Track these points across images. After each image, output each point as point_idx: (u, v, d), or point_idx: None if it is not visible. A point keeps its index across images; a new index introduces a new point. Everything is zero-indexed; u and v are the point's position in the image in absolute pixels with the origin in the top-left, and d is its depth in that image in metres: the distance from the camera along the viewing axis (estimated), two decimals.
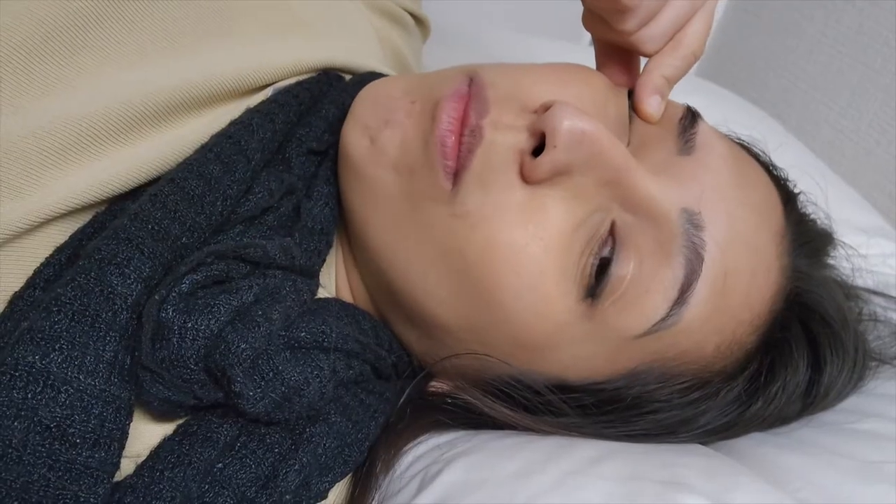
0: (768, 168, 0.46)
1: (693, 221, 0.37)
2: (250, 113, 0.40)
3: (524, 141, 0.37)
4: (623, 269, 0.37)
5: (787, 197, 0.45)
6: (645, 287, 0.37)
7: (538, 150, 0.37)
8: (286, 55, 0.43)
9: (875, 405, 0.45)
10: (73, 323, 0.30)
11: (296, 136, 0.42)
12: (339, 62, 0.48)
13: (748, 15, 1.18)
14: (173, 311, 0.32)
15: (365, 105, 0.41)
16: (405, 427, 0.41)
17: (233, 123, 0.39)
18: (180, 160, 0.37)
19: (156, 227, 0.33)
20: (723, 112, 0.67)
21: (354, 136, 0.41)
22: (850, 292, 0.49)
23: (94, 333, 0.30)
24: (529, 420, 0.40)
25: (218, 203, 0.36)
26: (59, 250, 0.33)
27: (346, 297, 0.45)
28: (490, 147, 0.37)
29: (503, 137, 0.38)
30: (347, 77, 0.49)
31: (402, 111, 0.40)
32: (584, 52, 0.96)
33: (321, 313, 0.38)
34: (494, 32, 0.82)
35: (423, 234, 0.38)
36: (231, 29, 0.41)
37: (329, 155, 0.44)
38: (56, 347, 0.29)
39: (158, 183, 0.35)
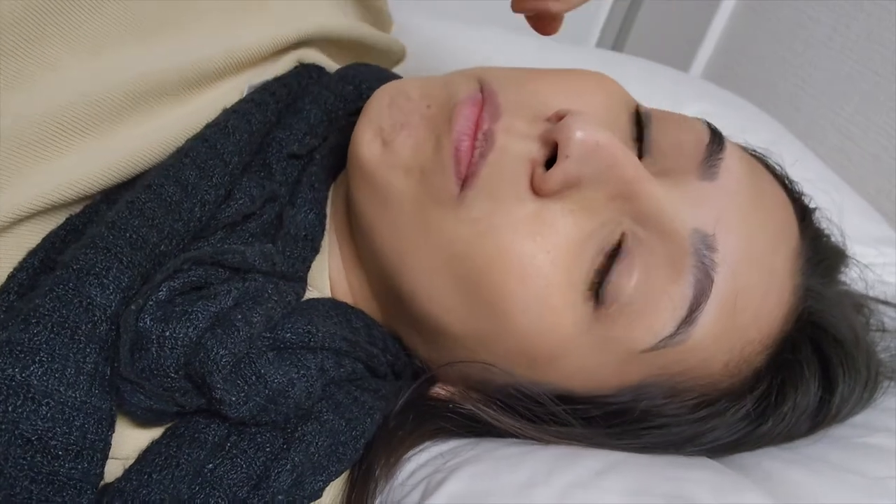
0: (784, 183, 0.45)
1: (706, 242, 0.37)
2: (226, 114, 0.39)
3: (536, 150, 0.37)
4: (633, 282, 0.36)
5: (803, 213, 0.44)
6: (653, 302, 0.37)
7: (549, 161, 0.36)
8: (256, 36, 0.42)
9: (883, 419, 0.44)
10: (52, 335, 0.29)
11: (276, 140, 0.41)
12: (316, 32, 0.47)
13: (755, 20, 1.17)
14: (151, 319, 0.32)
15: (381, 107, 0.40)
16: (407, 434, 0.40)
17: (209, 126, 0.39)
18: (153, 158, 0.36)
19: (134, 236, 0.32)
20: (734, 120, 0.66)
21: (367, 138, 0.40)
22: (860, 304, 0.49)
23: (74, 345, 0.30)
24: (534, 430, 0.40)
25: (196, 209, 0.35)
26: (32, 254, 0.33)
27: (344, 297, 0.44)
28: (502, 153, 0.37)
29: (515, 145, 0.37)
30: (331, 65, 0.48)
31: (418, 114, 0.39)
32: (590, 54, 0.96)
33: (307, 313, 0.37)
34: (500, 34, 0.81)
35: (431, 239, 0.38)
36: (194, 12, 0.40)
37: (313, 159, 0.43)
38: (36, 360, 0.29)
39: (135, 189, 0.34)
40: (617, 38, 1.28)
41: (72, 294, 0.30)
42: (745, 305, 0.38)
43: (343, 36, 0.50)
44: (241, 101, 0.41)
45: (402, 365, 0.43)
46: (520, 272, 0.36)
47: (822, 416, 0.42)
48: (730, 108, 0.80)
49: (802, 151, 0.80)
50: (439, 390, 0.43)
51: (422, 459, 0.40)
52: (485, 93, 0.38)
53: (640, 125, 0.41)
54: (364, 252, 0.43)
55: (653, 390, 0.39)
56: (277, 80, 0.43)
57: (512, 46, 0.80)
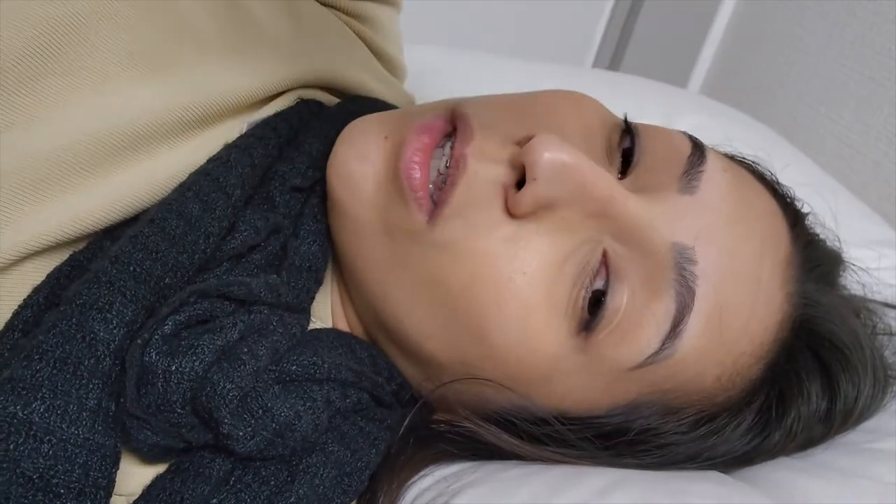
0: (774, 189, 0.45)
1: (685, 255, 0.37)
2: (228, 149, 0.40)
3: (507, 174, 0.37)
4: (618, 300, 0.36)
5: (795, 220, 0.44)
6: (637, 319, 0.36)
7: (521, 183, 0.36)
8: (255, 78, 0.43)
9: (893, 424, 0.43)
10: (54, 371, 0.29)
11: (278, 174, 0.42)
12: (315, 79, 0.47)
13: (749, 33, 1.18)
14: (157, 354, 0.31)
15: (342, 144, 0.41)
16: (409, 459, 0.40)
17: (210, 160, 0.39)
18: (155, 196, 0.37)
19: (137, 269, 0.32)
20: (725, 130, 0.66)
21: (333, 175, 0.40)
22: (862, 308, 0.48)
23: (77, 381, 0.30)
24: (535, 449, 0.39)
25: (200, 241, 0.35)
26: (37, 291, 0.33)
27: (343, 327, 0.44)
28: (473, 178, 0.37)
29: (486, 169, 0.37)
30: (332, 101, 0.48)
31: (374, 147, 0.39)
32: (587, 76, 0.97)
33: (312, 345, 0.37)
34: (493, 60, 0.82)
35: (406, 268, 0.38)
36: (197, 49, 0.40)
37: (316, 191, 0.43)
38: (38, 397, 0.29)
39: (138, 223, 0.35)
40: (613, 56, 1.29)
41: (74, 329, 0.30)
42: (732, 317, 0.38)
43: (350, 87, 0.51)
44: (243, 136, 0.41)
45: (405, 393, 0.43)
46: (496, 294, 0.36)
47: (832, 423, 0.42)
48: (725, 120, 0.80)
49: (798, 157, 0.80)
50: (438, 415, 0.43)
51: (425, 484, 0.39)
52: (456, 118, 0.39)
53: (632, 141, 0.40)
54: (350, 284, 0.43)
55: (646, 409, 0.39)
56: (278, 115, 0.44)
57: (506, 71, 0.81)
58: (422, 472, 0.40)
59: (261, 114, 0.44)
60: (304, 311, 0.40)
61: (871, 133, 0.93)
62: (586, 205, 0.36)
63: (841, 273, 0.48)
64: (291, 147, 0.43)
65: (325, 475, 0.36)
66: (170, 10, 0.39)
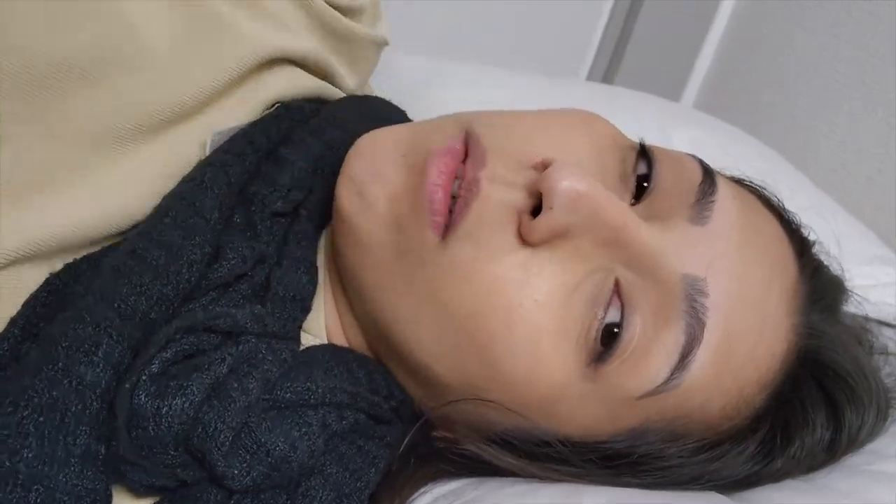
0: (780, 215, 0.45)
1: (696, 287, 0.37)
2: (202, 168, 0.38)
3: (522, 200, 0.37)
4: (631, 332, 0.36)
5: (802, 247, 0.44)
6: (647, 349, 0.36)
7: (536, 209, 0.36)
8: (205, 75, 0.39)
9: (892, 446, 0.44)
10: (41, 419, 0.29)
11: (258, 197, 0.40)
12: (269, 55, 0.42)
13: (743, 47, 1.19)
14: (145, 396, 0.31)
15: (356, 159, 0.40)
16: (409, 477, 0.40)
17: (184, 181, 0.38)
18: (128, 208, 0.35)
19: (122, 306, 0.32)
20: (720, 144, 0.66)
21: (343, 190, 0.40)
22: (864, 334, 0.48)
23: (65, 428, 0.29)
24: (535, 468, 0.39)
25: (184, 271, 0.34)
26: (13, 323, 0.32)
27: (340, 341, 0.44)
28: (486, 202, 0.37)
29: (500, 193, 0.37)
30: (304, 88, 0.46)
31: (391, 165, 0.39)
32: (582, 88, 0.97)
33: (306, 368, 0.37)
34: (488, 71, 0.82)
35: (415, 288, 0.38)
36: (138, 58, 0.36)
37: (299, 215, 0.42)
38: (25, 444, 0.28)
39: (119, 254, 0.34)
40: (608, 69, 1.30)
41: (61, 374, 0.30)
42: (740, 348, 0.38)
43: (310, 59, 0.47)
44: (218, 152, 0.39)
45: (406, 409, 0.43)
46: (507, 320, 0.36)
47: (835, 451, 0.41)
48: (719, 134, 0.81)
49: (794, 174, 0.80)
50: (439, 433, 0.43)
51: (424, 502, 0.39)
52: (469, 139, 0.38)
53: (648, 166, 0.40)
54: (354, 300, 0.43)
55: (650, 435, 0.38)
56: (256, 125, 0.42)
57: (501, 82, 0.81)
58: (421, 490, 0.40)
59: (227, 115, 0.41)
60: (293, 339, 0.39)
61: (866, 146, 0.93)
62: (599, 232, 0.36)
63: (844, 301, 0.48)
64: (270, 162, 0.41)
65: (324, 498, 0.35)
66: (114, 16, 0.36)
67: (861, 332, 0.49)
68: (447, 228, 0.37)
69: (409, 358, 0.39)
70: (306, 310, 0.41)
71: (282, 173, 0.41)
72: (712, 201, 0.39)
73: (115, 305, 0.32)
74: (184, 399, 0.31)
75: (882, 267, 0.65)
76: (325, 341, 0.43)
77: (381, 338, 0.41)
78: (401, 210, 0.38)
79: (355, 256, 0.40)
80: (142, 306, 0.32)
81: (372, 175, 0.39)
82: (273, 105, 0.44)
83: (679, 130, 0.78)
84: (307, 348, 0.40)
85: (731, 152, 0.60)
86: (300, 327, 0.41)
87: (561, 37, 1.24)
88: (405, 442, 0.40)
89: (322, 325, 0.43)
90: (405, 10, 0.79)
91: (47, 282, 0.34)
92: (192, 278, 0.35)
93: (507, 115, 0.42)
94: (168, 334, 0.33)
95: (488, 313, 0.36)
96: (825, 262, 0.47)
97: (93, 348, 0.30)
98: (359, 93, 0.54)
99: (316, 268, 0.42)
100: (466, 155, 0.38)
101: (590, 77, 1.31)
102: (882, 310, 0.54)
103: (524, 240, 0.36)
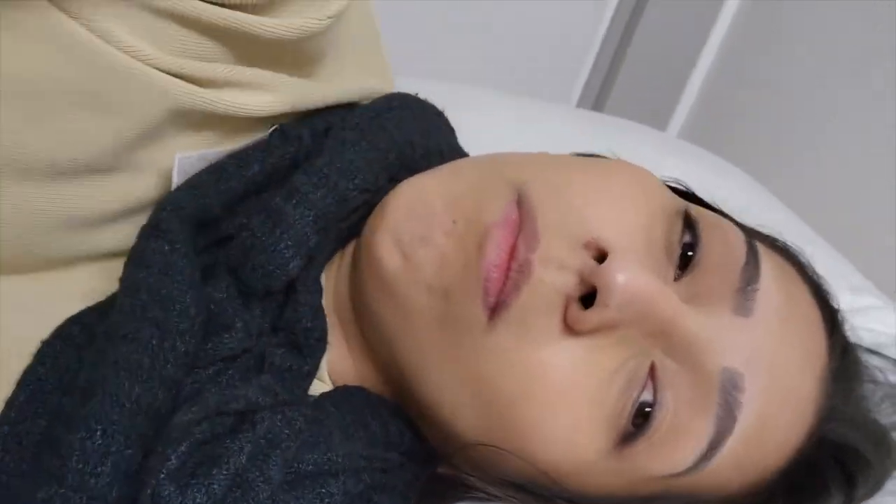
0: (814, 284, 0.44)
1: (734, 382, 0.36)
2: (168, 223, 0.35)
3: (573, 286, 0.35)
4: (662, 415, 0.36)
5: (832, 326, 0.43)
6: (676, 435, 0.36)
7: (585, 296, 0.35)
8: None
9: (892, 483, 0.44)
10: None
11: (244, 274, 0.37)
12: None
13: (731, 78, 1.21)
14: (167, 498, 0.30)
15: (399, 214, 0.38)
16: None
17: (141, 236, 0.35)
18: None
19: (127, 404, 0.31)
20: (706, 175, 0.67)
21: (385, 248, 0.38)
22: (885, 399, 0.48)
23: None
24: None
25: (178, 343, 0.33)
26: (9, 405, 0.32)
27: (350, 378, 0.43)
28: (537, 286, 0.35)
29: (552, 277, 0.35)
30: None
31: (441, 230, 0.37)
32: (573, 115, 0.98)
33: (323, 432, 0.36)
34: (481, 95, 0.82)
35: (456, 360, 0.37)
36: None
37: (297, 291, 0.38)
38: None
39: (114, 342, 0.32)
40: (598, 96, 1.31)
41: (72, 492, 0.29)
42: (769, 433, 0.38)
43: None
44: (188, 198, 0.36)
45: (417, 452, 0.42)
46: (551, 406, 0.36)
47: None
48: (704, 164, 0.82)
49: (771, 200, 0.80)
50: (445, 470, 0.42)
51: None
52: (522, 206, 0.37)
53: (693, 237, 0.39)
54: (378, 348, 0.41)
55: (665, 502, 0.39)
56: (237, 159, 0.38)
57: (493, 107, 0.81)
58: None
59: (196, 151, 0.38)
60: (302, 401, 0.39)
61: (852, 173, 0.95)
62: (650, 325, 0.36)
63: (862, 372, 0.47)
64: (263, 216, 0.38)
65: None
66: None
67: (878, 397, 0.47)
68: (495, 309, 0.36)
69: (437, 419, 0.39)
70: (311, 375, 0.40)
71: (274, 239, 0.37)
72: (756, 289, 0.38)
73: (122, 403, 0.31)
74: (207, 497, 0.31)
75: (862, 296, 0.66)
76: (331, 386, 0.42)
77: (406, 392, 0.40)
78: (450, 279, 0.36)
79: (394, 318, 0.39)
80: (147, 399, 0.32)
81: (420, 239, 0.37)
82: (271, 127, 0.40)
83: (663, 160, 0.79)
84: (318, 401, 0.39)
85: (710, 180, 0.60)
86: (306, 391, 0.40)
87: (550, 67, 1.25)
88: (419, 487, 0.40)
89: (325, 369, 0.42)
90: (398, 31, 0.79)
91: (40, 352, 0.33)
92: (189, 350, 0.34)
93: (558, 174, 0.40)
94: (182, 427, 0.32)
95: (530, 399, 0.36)
96: (852, 339, 0.46)
97: (102, 460, 0.30)
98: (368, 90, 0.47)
99: (323, 313, 0.40)
100: (519, 232, 0.36)
101: (580, 104, 1.33)
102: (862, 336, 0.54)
103: (570, 326, 0.36)
